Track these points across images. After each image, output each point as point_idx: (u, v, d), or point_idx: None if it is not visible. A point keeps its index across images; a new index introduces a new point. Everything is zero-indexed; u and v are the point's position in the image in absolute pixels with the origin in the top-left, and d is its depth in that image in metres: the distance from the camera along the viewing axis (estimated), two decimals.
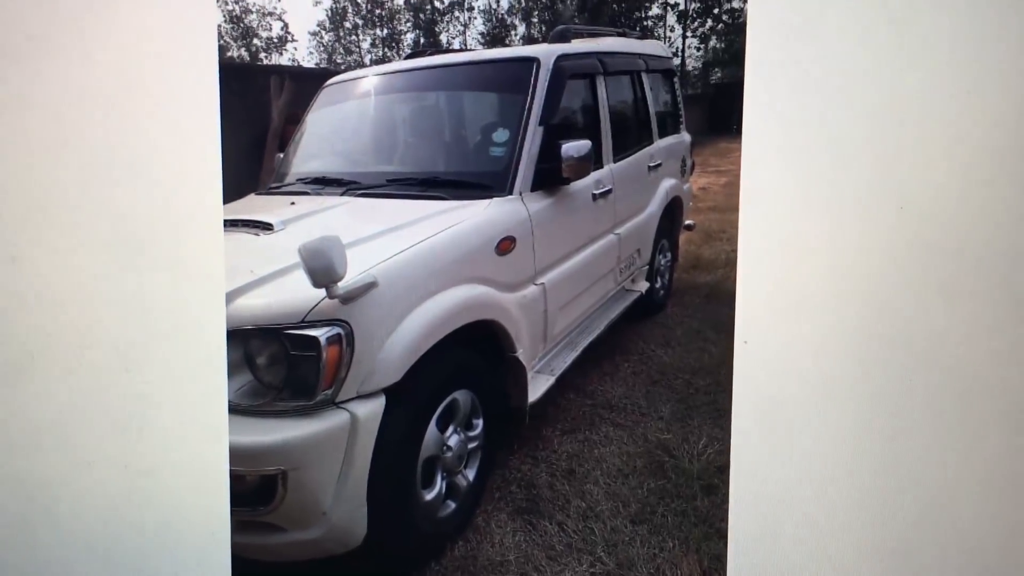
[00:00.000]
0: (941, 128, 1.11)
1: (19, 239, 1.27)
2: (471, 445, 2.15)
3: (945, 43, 1.09)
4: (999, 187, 1.09)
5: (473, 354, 2.15)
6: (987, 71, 1.08)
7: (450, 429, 2.04)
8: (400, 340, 1.80)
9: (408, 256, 1.92)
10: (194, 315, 1.34)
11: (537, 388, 2.45)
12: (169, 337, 1.33)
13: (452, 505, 2.07)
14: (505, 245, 2.28)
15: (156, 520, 1.37)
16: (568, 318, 2.81)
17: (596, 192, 2.97)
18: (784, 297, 1.23)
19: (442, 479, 2.03)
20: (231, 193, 2.54)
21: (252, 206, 2.74)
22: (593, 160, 2.64)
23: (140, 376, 1.33)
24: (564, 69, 2.78)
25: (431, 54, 3.43)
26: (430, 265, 1.97)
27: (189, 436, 1.36)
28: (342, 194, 2.61)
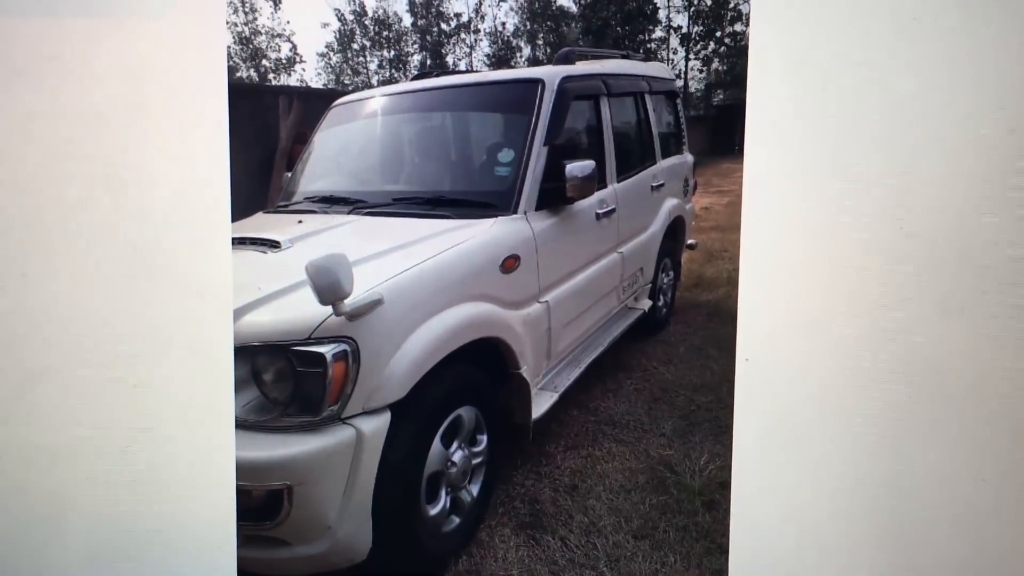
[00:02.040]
0: (940, 149, 1.13)
1: (29, 256, 1.30)
2: (475, 461, 2.16)
3: (944, 67, 1.11)
4: (997, 206, 1.11)
5: (477, 371, 2.16)
6: (986, 93, 1.10)
7: (454, 445, 2.06)
8: (405, 357, 1.82)
9: (414, 274, 1.94)
10: (202, 331, 1.35)
11: (541, 404, 2.46)
12: (177, 353, 1.35)
13: (456, 520, 2.08)
14: (510, 263, 2.30)
15: (162, 533, 1.38)
16: (571, 336, 2.82)
17: (600, 211, 3.00)
18: (785, 315, 1.24)
19: (446, 494, 2.04)
20: (240, 211, 2.58)
21: (260, 224, 2.77)
22: (597, 180, 2.66)
23: (148, 391, 1.35)
24: (568, 90, 2.81)
25: (437, 75, 3.48)
26: (435, 283, 1.99)
27: (196, 451, 1.37)
28: (349, 212, 2.64)
